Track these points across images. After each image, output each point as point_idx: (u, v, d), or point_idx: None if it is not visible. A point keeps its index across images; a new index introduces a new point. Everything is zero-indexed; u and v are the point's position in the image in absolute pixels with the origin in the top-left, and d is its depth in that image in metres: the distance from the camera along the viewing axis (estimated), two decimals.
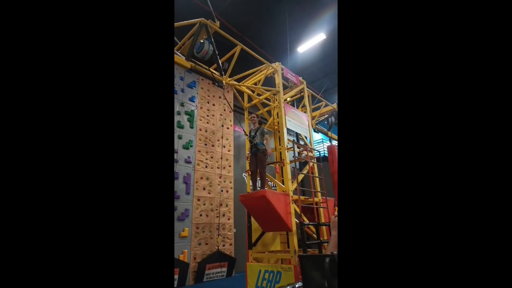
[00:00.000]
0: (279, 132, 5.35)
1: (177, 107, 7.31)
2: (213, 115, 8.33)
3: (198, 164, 7.36)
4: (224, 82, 4.63)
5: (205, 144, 7.75)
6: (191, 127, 7.54)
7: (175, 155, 6.80)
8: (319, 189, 5.23)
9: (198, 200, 7.08)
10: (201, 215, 7.01)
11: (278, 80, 5.31)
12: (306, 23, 9.14)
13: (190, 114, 7.61)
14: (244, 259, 5.09)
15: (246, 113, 5.74)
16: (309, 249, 4.33)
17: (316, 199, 4.86)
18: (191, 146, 7.34)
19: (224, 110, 8.75)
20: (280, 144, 5.26)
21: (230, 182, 8.17)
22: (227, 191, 7.96)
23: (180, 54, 4.27)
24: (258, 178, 4.66)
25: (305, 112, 6.04)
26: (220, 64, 4.32)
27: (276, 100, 5.30)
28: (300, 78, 6.16)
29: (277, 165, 5.74)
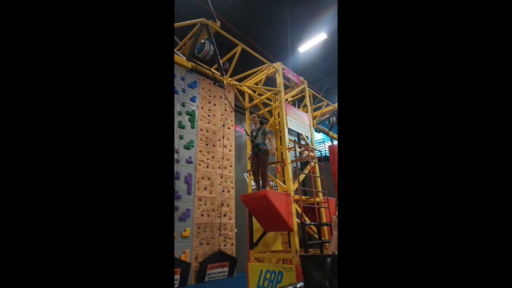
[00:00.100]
0: (280, 132, 5.34)
1: (178, 107, 7.31)
2: (214, 115, 8.33)
3: (200, 164, 7.37)
4: (225, 82, 4.63)
5: (206, 144, 7.76)
6: (192, 127, 7.54)
7: (176, 155, 6.80)
8: (320, 189, 5.22)
9: (200, 200, 7.09)
10: (202, 215, 7.01)
11: (279, 80, 5.31)
12: (307, 23, 9.12)
13: (191, 114, 7.61)
14: (246, 259, 5.09)
15: (247, 113, 5.75)
16: (310, 249, 4.32)
17: (317, 199, 4.85)
18: (192, 146, 7.34)
19: (225, 110, 8.75)
20: (281, 144, 5.26)
21: (232, 182, 8.17)
22: (228, 191, 7.96)
23: (181, 54, 4.28)
24: (260, 178, 4.66)
25: (306, 112, 6.03)
26: (221, 64, 4.33)
27: (277, 100, 5.30)
28: (301, 78, 6.15)
29: (278, 165, 5.74)
